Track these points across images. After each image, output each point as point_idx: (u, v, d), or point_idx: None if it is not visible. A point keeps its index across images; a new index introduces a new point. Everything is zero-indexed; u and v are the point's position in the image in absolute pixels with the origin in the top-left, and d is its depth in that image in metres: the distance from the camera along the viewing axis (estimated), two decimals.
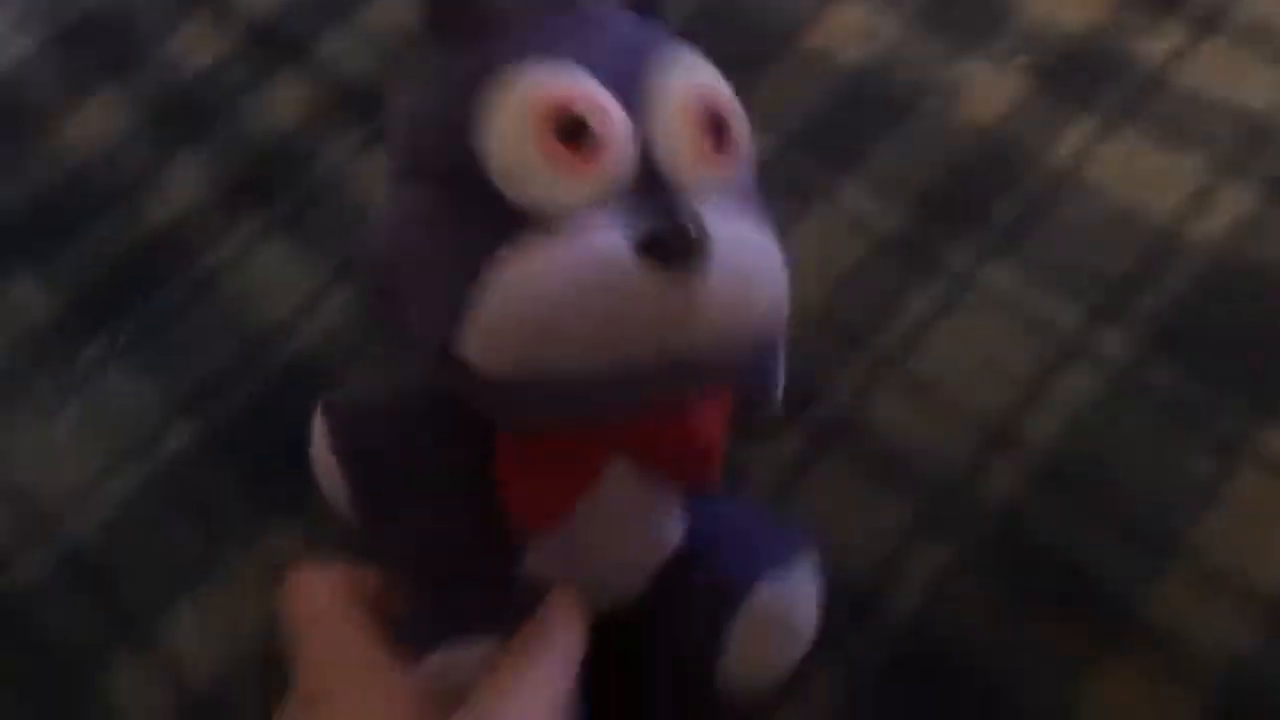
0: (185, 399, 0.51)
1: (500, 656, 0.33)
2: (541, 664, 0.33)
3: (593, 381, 0.31)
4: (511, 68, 0.30)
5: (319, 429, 0.37)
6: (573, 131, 0.30)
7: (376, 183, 0.50)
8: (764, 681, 0.39)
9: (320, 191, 0.57)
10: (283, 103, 0.60)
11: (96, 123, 0.61)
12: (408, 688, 0.32)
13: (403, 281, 0.33)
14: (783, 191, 0.51)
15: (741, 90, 0.33)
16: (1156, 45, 0.56)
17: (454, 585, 0.37)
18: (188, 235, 0.56)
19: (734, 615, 0.37)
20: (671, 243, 0.29)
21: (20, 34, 0.66)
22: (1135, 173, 0.52)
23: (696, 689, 0.39)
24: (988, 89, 0.55)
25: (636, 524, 0.38)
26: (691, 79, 0.32)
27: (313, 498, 0.38)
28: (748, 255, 0.31)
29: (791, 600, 0.38)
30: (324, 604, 0.34)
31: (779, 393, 0.41)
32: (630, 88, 0.31)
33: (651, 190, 0.30)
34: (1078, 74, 0.55)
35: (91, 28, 0.66)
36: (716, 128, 0.32)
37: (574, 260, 0.29)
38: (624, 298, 0.29)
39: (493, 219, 0.30)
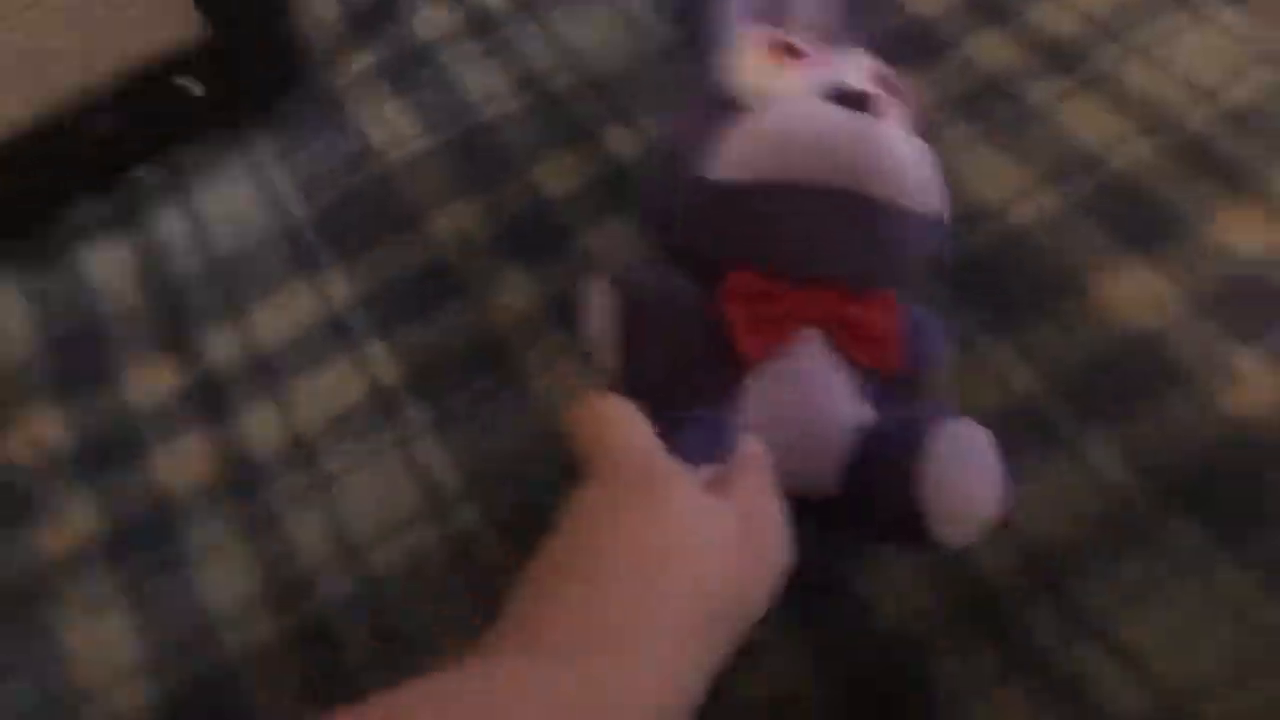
0: None
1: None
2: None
3: (807, 189, 0.48)
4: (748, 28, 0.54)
5: (596, 291, 0.52)
6: (792, 51, 0.53)
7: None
8: (973, 525, 0.45)
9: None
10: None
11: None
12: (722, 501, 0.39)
13: (676, 143, 0.54)
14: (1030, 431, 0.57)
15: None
16: None
17: (684, 422, 0.45)
18: None
19: (925, 468, 0.44)
20: (853, 96, 0.49)
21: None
22: None
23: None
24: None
25: (824, 394, 0.48)
26: (868, 60, 0.55)
27: None
28: (911, 146, 0.51)
29: (970, 438, 0.46)
30: (616, 410, 0.41)
31: (942, 359, 0.54)
32: (829, 42, 0.56)
33: (843, 92, 0.50)
34: None
35: None
36: (886, 84, 0.54)
37: (793, 104, 0.50)
38: (825, 125, 0.49)
39: (734, 101, 0.51)
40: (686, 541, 0.36)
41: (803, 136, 0.48)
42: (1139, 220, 0.64)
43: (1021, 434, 0.58)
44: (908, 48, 0.75)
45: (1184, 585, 0.52)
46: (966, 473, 0.45)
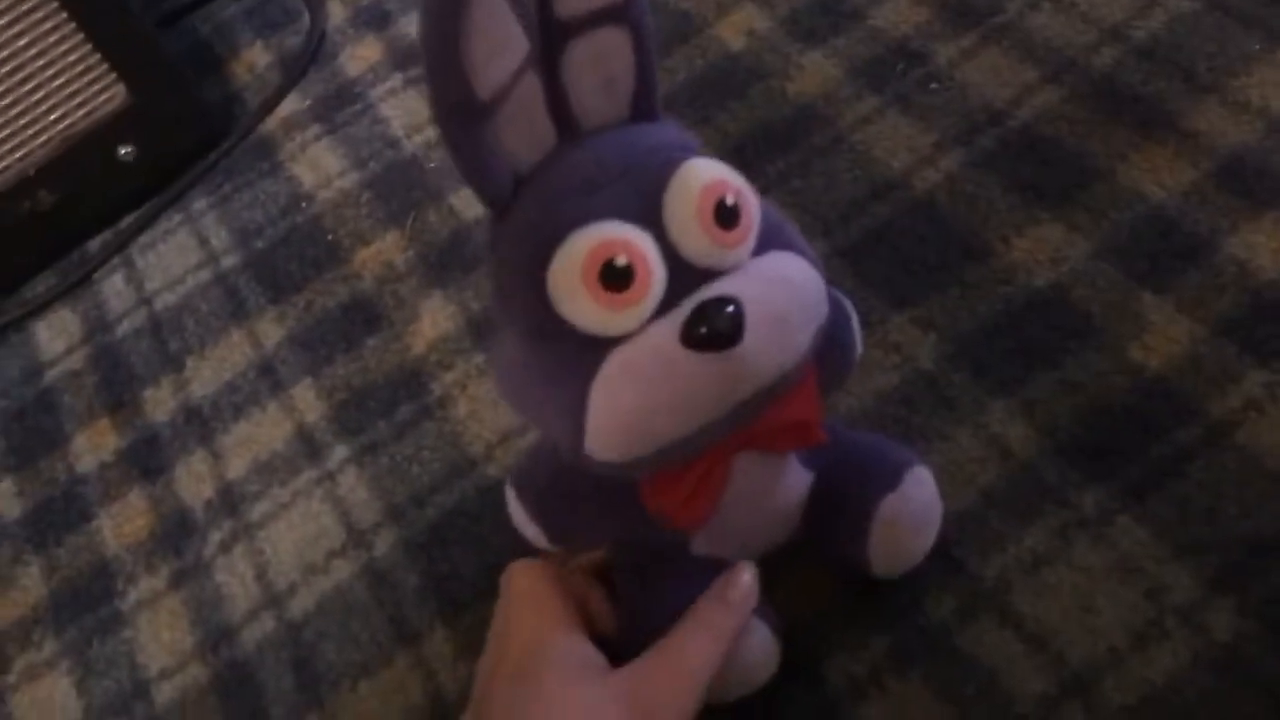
0: None
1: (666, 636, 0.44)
2: (691, 642, 0.44)
3: (688, 441, 0.40)
4: (562, 236, 0.39)
5: (510, 496, 0.48)
6: (616, 279, 0.38)
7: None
8: (908, 567, 0.50)
9: None
10: None
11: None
12: (608, 686, 0.43)
13: (525, 410, 0.44)
14: (934, 404, 0.55)
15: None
16: None
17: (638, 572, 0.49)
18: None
19: (866, 534, 0.48)
20: (710, 334, 0.38)
21: None
22: None
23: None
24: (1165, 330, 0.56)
25: (769, 490, 0.48)
26: (698, 181, 0.39)
27: None
28: (777, 297, 0.40)
29: (907, 509, 0.48)
30: (540, 586, 0.46)
31: (857, 354, 0.48)
32: (652, 211, 0.39)
33: (686, 281, 0.39)
34: (1264, 326, 0.54)
35: None
36: (725, 214, 0.39)
37: (641, 367, 0.39)
38: (684, 382, 0.39)
39: (576, 350, 0.39)
40: None
41: (669, 410, 0.39)
42: (1045, 173, 0.62)
43: (925, 408, 0.56)
44: (817, 19, 0.74)
45: (1086, 550, 0.50)
46: (908, 531, 0.49)
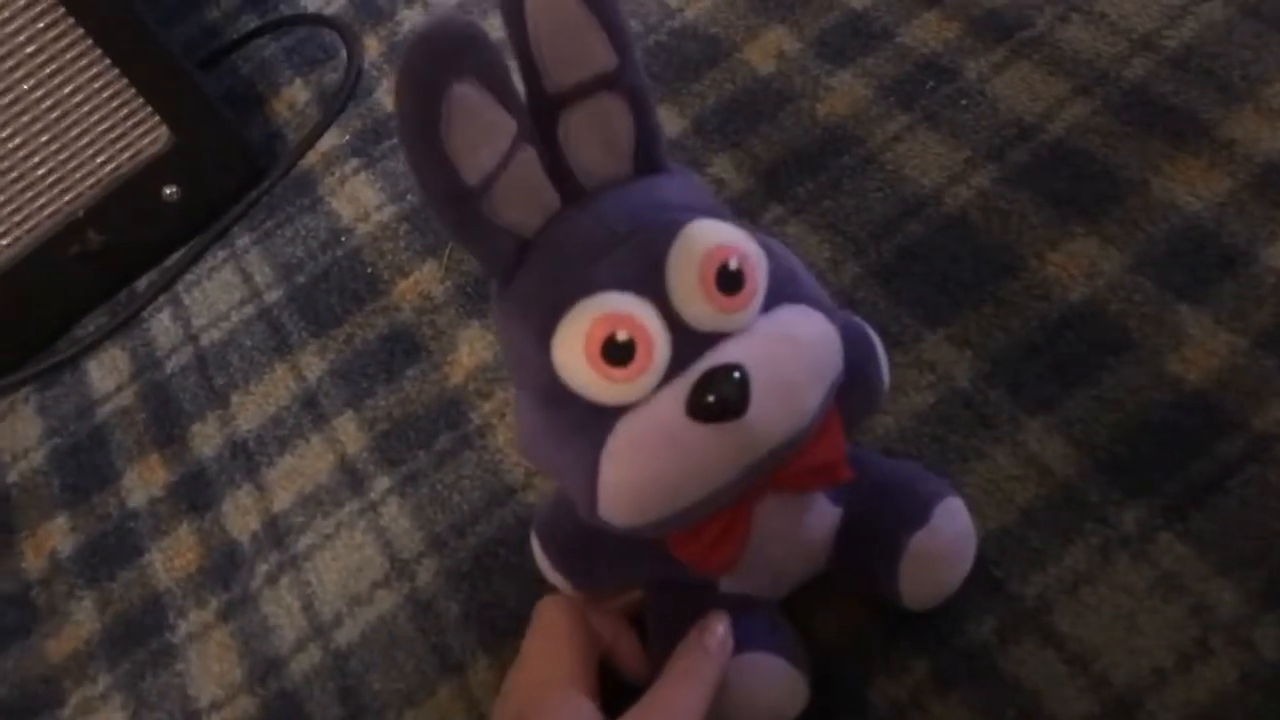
0: None
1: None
2: (676, 692, 0.44)
3: (700, 505, 0.41)
4: (564, 307, 0.39)
5: (535, 545, 0.49)
6: (618, 354, 0.38)
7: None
8: (939, 601, 0.49)
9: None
10: None
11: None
12: None
13: (543, 468, 0.46)
14: (971, 423, 0.55)
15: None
16: None
17: (669, 609, 0.49)
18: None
19: (897, 569, 0.47)
20: (716, 404, 0.38)
21: None
22: None
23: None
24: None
25: (796, 529, 0.48)
26: (700, 247, 0.39)
27: None
28: (784, 361, 0.40)
29: (937, 543, 0.47)
30: (560, 631, 0.47)
31: (885, 387, 0.47)
32: (655, 277, 0.39)
33: (691, 347, 0.39)
34: None
35: None
36: (728, 280, 0.39)
37: (647, 440, 0.39)
38: (692, 454, 0.39)
39: (585, 417, 0.40)
40: None
41: (678, 479, 0.40)
42: (1078, 187, 0.62)
43: (962, 427, 0.56)
44: (846, 40, 0.74)
45: (1128, 569, 0.49)
46: (940, 565, 0.49)
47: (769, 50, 0.76)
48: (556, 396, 0.40)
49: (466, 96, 0.37)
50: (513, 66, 0.40)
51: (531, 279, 0.41)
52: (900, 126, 0.68)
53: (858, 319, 0.47)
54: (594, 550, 0.47)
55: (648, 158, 0.43)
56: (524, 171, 0.40)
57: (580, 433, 0.40)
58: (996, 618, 0.50)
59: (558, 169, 0.42)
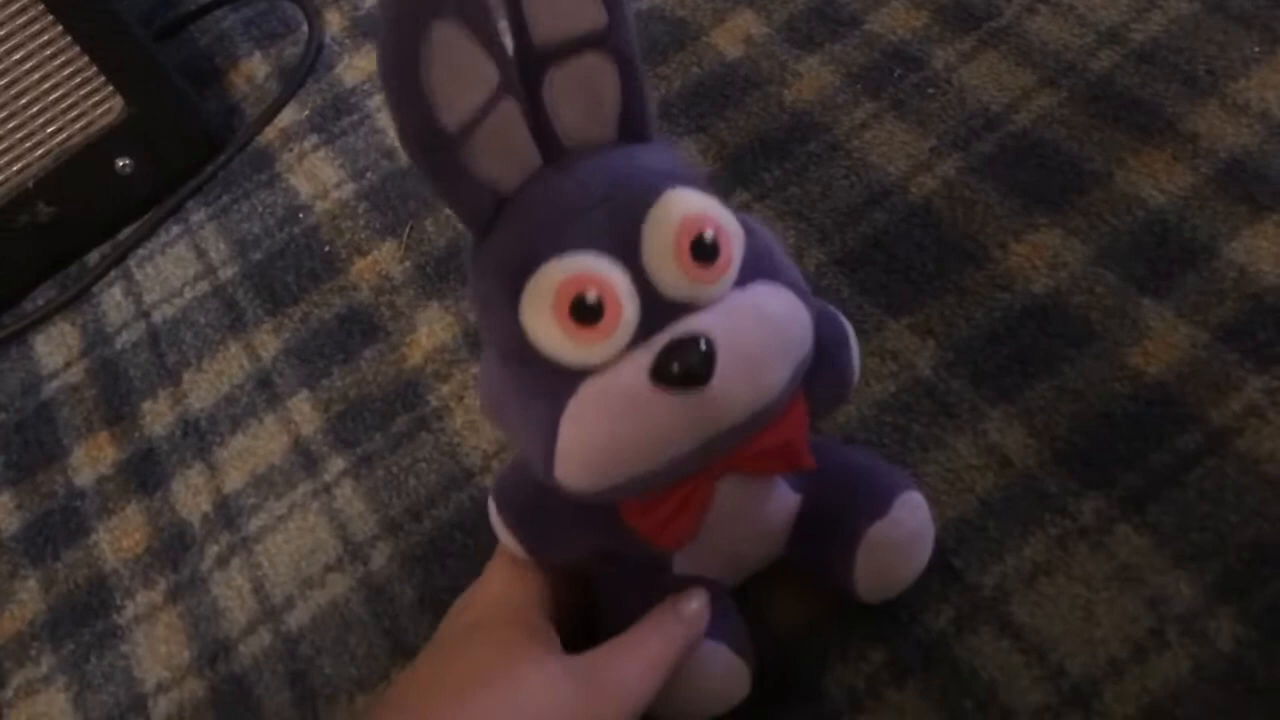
0: None
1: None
2: (649, 637, 0.44)
3: (657, 474, 0.40)
4: (535, 265, 0.38)
5: (492, 508, 0.48)
6: (586, 314, 0.38)
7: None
8: (893, 593, 0.49)
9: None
10: None
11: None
12: (564, 660, 0.43)
13: (503, 427, 0.45)
14: (932, 412, 0.55)
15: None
16: None
17: (620, 588, 0.49)
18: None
19: (853, 559, 0.47)
20: (680, 371, 0.38)
21: None
22: None
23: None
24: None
25: (754, 512, 0.48)
26: (677, 214, 0.39)
27: None
28: (752, 335, 0.40)
29: (895, 536, 0.47)
30: (513, 562, 0.47)
31: (855, 378, 0.47)
32: (629, 240, 0.38)
33: (660, 315, 0.39)
34: (1265, 332, 0.54)
35: None
36: (703, 250, 0.39)
37: (610, 402, 0.38)
38: (652, 420, 0.38)
39: (548, 377, 0.39)
40: None
41: (637, 445, 0.39)
42: (1043, 178, 0.62)
43: (924, 416, 0.56)
44: (815, 26, 0.74)
45: (1085, 559, 0.49)
46: (896, 558, 0.48)
47: (737, 35, 0.76)
48: (521, 355, 0.39)
49: (449, 37, 0.36)
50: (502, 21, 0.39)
51: (505, 235, 0.40)
52: (867, 114, 0.68)
53: (833, 308, 0.47)
54: (550, 516, 0.46)
55: (633, 124, 0.42)
56: (504, 123, 0.39)
57: (542, 392, 0.40)
58: (954, 607, 0.50)
59: (540, 126, 0.41)
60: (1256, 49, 0.63)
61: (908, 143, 0.66)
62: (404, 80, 0.36)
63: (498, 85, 0.38)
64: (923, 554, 0.49)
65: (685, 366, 0.38)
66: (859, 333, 0.52)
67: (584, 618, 0.49)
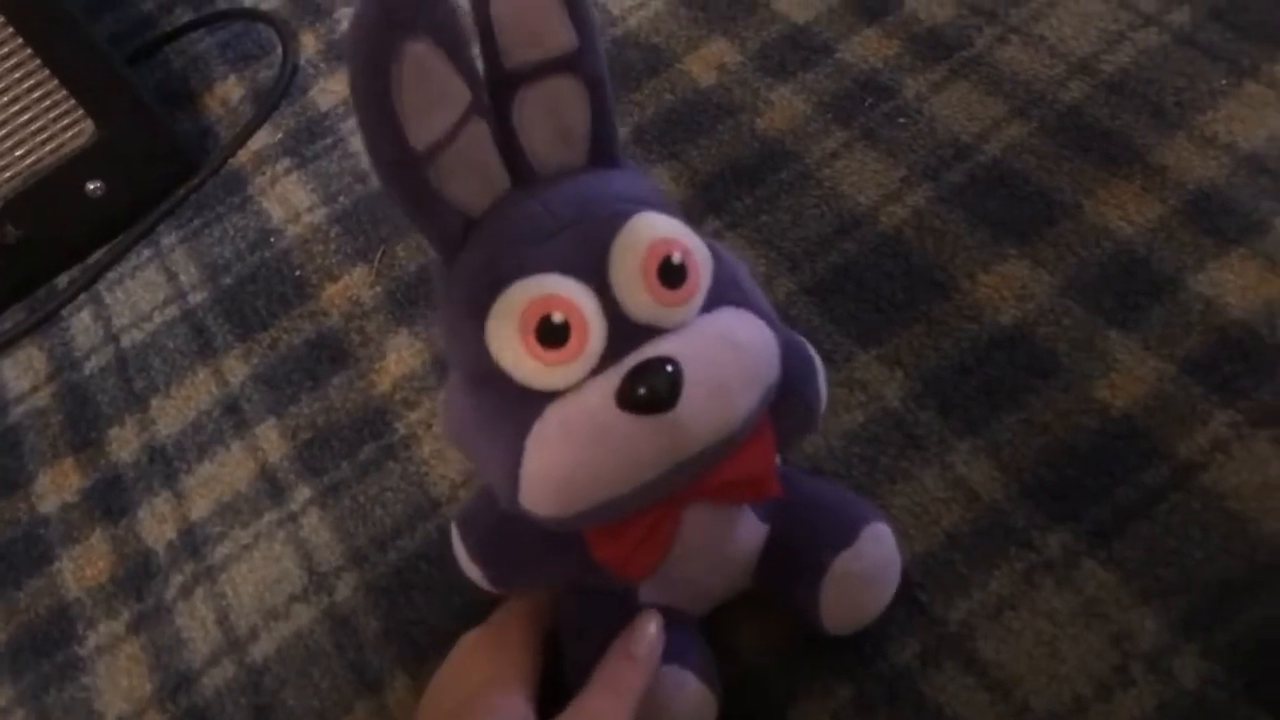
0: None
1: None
2: (600, 703, 0.43)
3: (624, 500, 0.39)
4: (502, 286, 0.38)
5: (455, 536, 0.47)
6: (552, 336, 0.38)
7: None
8: (858, 626, 0.49)
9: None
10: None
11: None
12: None
13: (467, 452, 0.44)
14: (900, 443, 0.54)
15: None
16: None
17: (586, 618, 0.48)
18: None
19: (818, 590, 0.46)
20: (646, 396, 0.37)
21: None
22: (1267, 483, 0.50)
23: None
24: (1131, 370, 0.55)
25: (720, 542, 0.47)
26: (645, 237, 0.39)
27: None
28: (718, 360, 0.39)
29: (860, 567, 0.47)
30: (512, 627, 0.47)
31: (822, 408, 0.46)
32: (597, 263, 0.38)
33: (626, 337, 0.38)
34: (1230, 365, 0.54)
35: None
36: (671, 273, 0.39)
37: (575, 426, 0.38)
38: (618, 444, 0.38)
39: (514, 401, 0.39)
40: None
41: (603, 470, 0.38)
42: (1012, 209, 0.62)
43: (892, 448, 0.55)
44: (787, 54, 0.74)
45: (1051, 595, 0.49)
46: (861, 590, 0.48)
47: (710, 62, 0.76)
48: (487, 378, 0.39)
49: (420, 56, 0.36)
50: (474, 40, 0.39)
51: (473, 257, 0.40)
52: (838, 143, 0.68)
53: (800, 337, 0.47)
54: (513, 546, 0.45)
55: (602, 149, 0.42)
56: (474, 145, 0.40)
57: (508, 417, 0.39)
58: (919, 642, 0.50)
59: (510, 149, 0.41)
60: (1224, 82, 0.63)
61: (878, 172, 0.66)
62: (374, 99, 0.36)
63: (468, 106, 0.38)
64: (889, 586, 0.48)
65: (651, 390, 0.37)
66: (828, 362, 0.52)
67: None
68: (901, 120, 0.68)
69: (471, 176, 0.40)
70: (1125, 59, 0.66)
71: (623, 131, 0.73)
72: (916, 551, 0.52)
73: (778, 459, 0.46)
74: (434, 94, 0.37)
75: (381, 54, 0.35)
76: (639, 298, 0.38)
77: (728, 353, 0.40)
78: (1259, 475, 0.50)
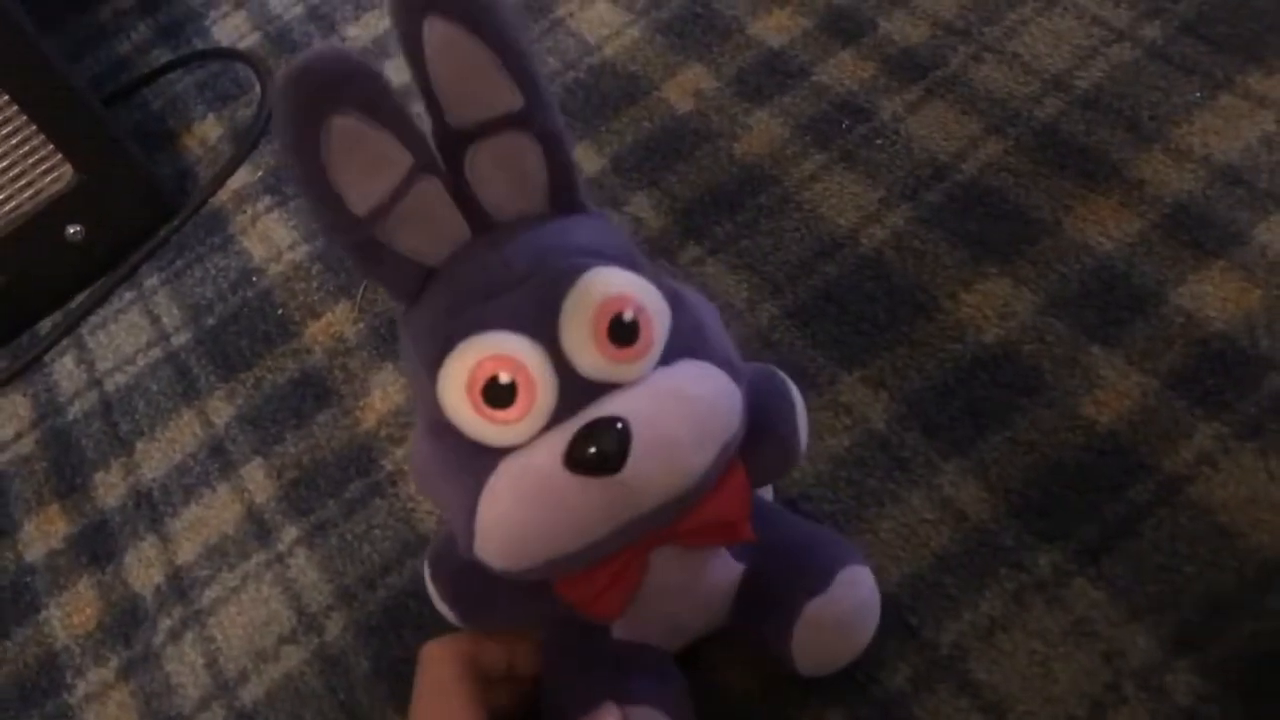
0: None
1: None
2: None
3: (575, 556, 0.39)
4: (452, 344, 0.38)
5: (426, 575, 0.48)
6: (498, 397, 0.38)
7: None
8: (834, 669, 0.48)
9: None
10: None
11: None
12: None
13: (430, 498, 0.46)
14: (886, 466, 0.54)
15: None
16: None
17: (559, 653, 0.48)
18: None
19: (790, 634, 0.46)
20: (593, 457, 0.37)
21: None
22: (1254, 496, 0.50)
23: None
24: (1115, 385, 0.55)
25: (691, 584, 0.47)
26: (596, 295, 0.38)
27: None
28: (670, 418, 0.39)
29: (834, 612, 0.46)
30: (446, 681, 0.46)
31: (801, 446, 0.46)
32: (548, 320, 0.38)
33: (578, 394, 0.38)
34: (1213, 378, 0.54)
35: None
36: (622, 331, 0.38)
37: (524, 485, 0.38)
38: (567, 504, 0.38)
39: (468, 454, 0.39)
40: None
41: (552, 529, 0.39)
42: (991, 228, 0.62)
43: (878, 470, 0.55)
44: (764, 79, 0.74)
45: (1042, 614, 0.49)
46: (834, 635, 0.47)
47: (687, 88, 0.76)
48: (443, 429, 0.39)
49: (348, 129, 0.36)
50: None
51: (428, 309, 0.40)
52: (817, 166, 0.68)
53: (781, 375, 0.46)
54: (483, 585, 0.45)
55: (562, 197, 0.41)
56: (424, 201, 0.39)
57: (463, 469, 0.39)
58: (911, 666, 0.49)
59: (465, 200, 0.40)
60: (1198, 94, 0.63)
61: (857, 194, 0.66)
62: (305, 173, 0.37)
63: (412, 167, 0.38)
64: (864, 631, 0.48)
65: (599, 451, 0.37)
66: (812, 387, 0.52)
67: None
68: (879, 141, 0.68)
69: (425, 230, 0.40)
70: (1099, 74, 0.66)
71: (602, 161, 0.73)
72: (905, 574, 0.52)
73: (757, 495, 0.46)
74: (369, 161, 0.37)
75: (306, 131, 0.36)
76: (590, 356, 0.38)
77: (681, 409, 0.39)
78: (1246, 488, 0.50)
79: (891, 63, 0.72)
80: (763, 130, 0.71)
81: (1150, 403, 0.53)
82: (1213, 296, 0.56)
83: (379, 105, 0.37)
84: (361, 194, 0.37)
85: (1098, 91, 0.65)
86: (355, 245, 0.39)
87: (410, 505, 0.62)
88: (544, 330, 0.38)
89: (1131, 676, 0.47)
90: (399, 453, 0.64)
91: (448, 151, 0.39)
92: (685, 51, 0.78)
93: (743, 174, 0.70)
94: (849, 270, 0.63)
